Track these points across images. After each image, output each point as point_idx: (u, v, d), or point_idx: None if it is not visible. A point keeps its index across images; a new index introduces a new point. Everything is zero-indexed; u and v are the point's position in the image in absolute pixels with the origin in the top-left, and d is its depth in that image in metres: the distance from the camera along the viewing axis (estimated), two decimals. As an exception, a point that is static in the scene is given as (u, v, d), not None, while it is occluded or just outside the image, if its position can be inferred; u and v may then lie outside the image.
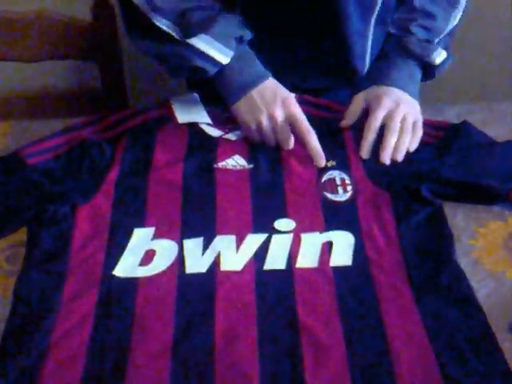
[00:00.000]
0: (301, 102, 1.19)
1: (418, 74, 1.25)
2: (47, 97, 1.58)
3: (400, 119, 1.15)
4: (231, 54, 1.14)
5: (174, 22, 1.12)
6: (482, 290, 0.91)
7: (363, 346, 0.82)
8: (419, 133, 1.16)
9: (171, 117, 1.21)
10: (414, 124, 1.16)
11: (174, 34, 1.12)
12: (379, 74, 1.24)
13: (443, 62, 1.24)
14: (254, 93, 1.14)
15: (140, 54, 1.22)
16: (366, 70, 1.28)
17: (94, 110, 1.38)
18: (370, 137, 1.14)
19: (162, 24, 1.11)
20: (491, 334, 0.83)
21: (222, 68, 1.15)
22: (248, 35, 1.17)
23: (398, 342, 0.82)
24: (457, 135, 1.15)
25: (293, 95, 1.18)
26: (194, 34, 1.11)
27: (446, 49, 1.25)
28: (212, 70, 1.14)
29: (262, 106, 1.13)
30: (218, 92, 1.19)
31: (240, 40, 1.16)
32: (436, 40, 1.24)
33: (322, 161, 1.11)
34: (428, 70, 1.26)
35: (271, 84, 1.16)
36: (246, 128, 1.15)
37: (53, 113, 1.44)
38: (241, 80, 1.16)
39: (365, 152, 1.13)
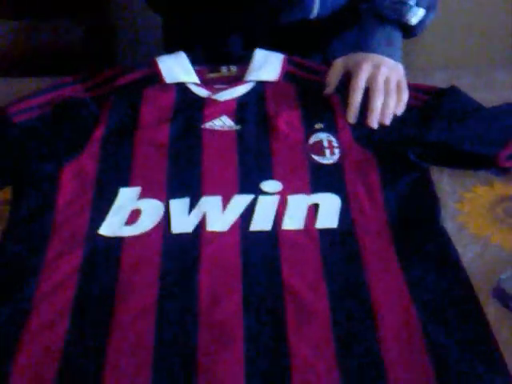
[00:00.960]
0: (289, 63, 1.18)
1: (398, 37, 1.24)
2: (33, 54, 1.56)
3: (383, 81, 1.13)
4: None
5: None
6: (468, 254, 0.90)
7: (347, 309, 0.82)
8: (405, 94, 1.14)
9: (158, 76, 1.19)
10: (399, 85, 1.14)
11: None
12: (356, 43, 1.22)
13: (422, 21, 1.22)
14: None
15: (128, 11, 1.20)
16: (315, 12, 1.29)
17: (81, 68, 1.35)
18: (354, 101, 1.12)
19: None
20: (475, 299, 0.83)
21: None
22: None
23: (383, 305, 0.82)
24: (444, 99, 1.14)
25: (280, 56, 1.16)
26: None
27: (428, 5, 1.23)
28: None
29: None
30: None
31: None
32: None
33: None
34: (408, 30, 1.24)
35: None
36: None
37: (39, 71, 1.41)
38: None
39: (351, 116, 1.11)
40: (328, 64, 1.21)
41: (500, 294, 0.84)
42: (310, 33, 1.35)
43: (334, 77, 1.18)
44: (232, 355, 0.77)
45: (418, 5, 1.22)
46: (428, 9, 1.23)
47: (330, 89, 1.17)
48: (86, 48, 1.53)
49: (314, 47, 1.39)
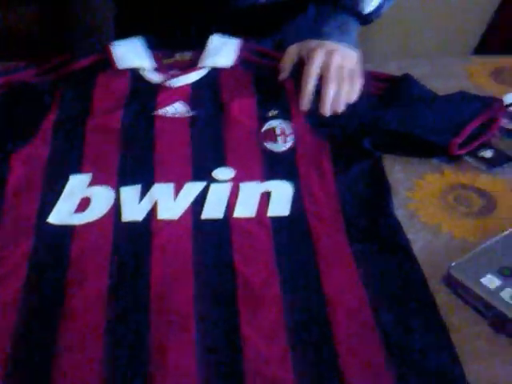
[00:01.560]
0: (245, 49, 1.17)
1: (353, 24, 1.23)
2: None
3: (335, 68, 1.12)
4: None
5: None
6: (418, 242, 0.90)
7: (300, 297, 0.81)
8: (358, 82, 1.13)
9: (110, 62, 1.17)
10: (352, 73, 1.13)
11: None
12: (311, 30, 1.22)
13: (377, 8, 1.22)
14: None
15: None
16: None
17: (34, 53, 1.33)
18: (307, 88, 1.11)
19: None
20: (425, 286, 0.83)
21: None
22: None
23: (335, 292, 0.81)
24: (398, 87, 1.14)
25: (236, 41, 1.16)
26: None
27: None
28: None
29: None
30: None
31: None
32: None
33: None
34: (363, 17, 1.24)
35: None
36: None
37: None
38: None
39: (304, 104, 1.10)
40: (279, 49, 1.20)
41: (450, 282, 0.84)
42: (260, 17, 1.33)
43: (287, 62, 1.17)
44: (184, 344, 0.76)
45: None
46: None
47: (283, 74, 1.16)
48: (40, 33, 1.51)
49: (265, 32, 1.37)
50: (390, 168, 1.02)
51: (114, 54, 1.18)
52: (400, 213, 0.94)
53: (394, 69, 1.24)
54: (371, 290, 0.82)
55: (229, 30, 1.23)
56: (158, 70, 1.16)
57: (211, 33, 1.18)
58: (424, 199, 0.98)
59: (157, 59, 1.18)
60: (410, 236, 0.90)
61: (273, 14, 1.33)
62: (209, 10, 1.29)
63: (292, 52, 1.18)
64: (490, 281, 0.82)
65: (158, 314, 0.79)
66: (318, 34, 1.20)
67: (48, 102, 1.08)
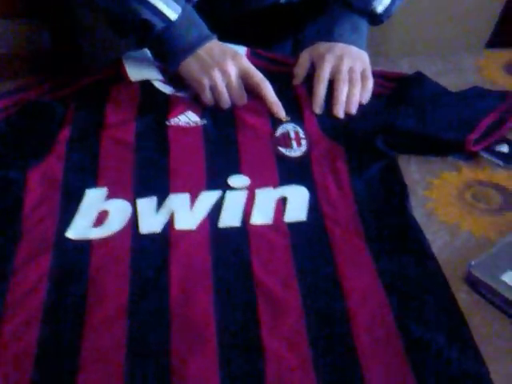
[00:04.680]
0: (253, 56, 1.17)
1: (363, 25, 1.22)
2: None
3: (347, 70, 1.13)
4: (179, 10, 1.10)
5: None
6: (437, 241, 0.89)
7: (320, 302, 0.81)
8: (369, 83, 1.14)
9: (123, 75, 1.18)
10: (363, 74, 1.14)
11: None
12: (322, 31, 1.21)
13: (388, 8, 1.21)
14: (202, 51, 1.11)
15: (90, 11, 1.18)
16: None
17: (46, 70, 1.33)
18: (319, 92, 1.12)
19: None
20: (446, 286, 0.82)
21: (169, 25, 1.10)
22: None
23: (355, 297, 0.81)
24: (410, 86, 1.14)
25: (244, 49, 1.15)
26: None
27: None
28: (159, 25, 1.09)
29: (212, 62, 1.10)
30: (159, 53, 1.16)
31: None
32: None
33: (280, 110, 1.09)
34: (374, 18, 1.23)
35: (218, 43, 1.13)
36: (198, 86, 1.11)
37: (1, 74, 1.39)
38: (187, 39, 1.12)
39: (317, 107, 1.11)
40: (299, 51, 1.20)
41: (471, 280, 0.83)
42: (281, 17, 1.34)
43: (301, 68, 1.18)
44: (205, 355, 0.75)
45: None
46: None
47: (297, 79, 1.17)
48: (52, 49, 1.52)
49: (286, 32, 1.39)
50: (406, 168, 1.01)
51: (126, 67, 1.19)
52: (418, 213, 0.93)
53: (405, 66, 1.24)
54: (392, 294, 0.81)
55: (249, 31, 1.25)
56: (168, 80, 1.17)
57: (231, 35, 1.17)
58: (441, 198, 0.97)
59: (164, 71, 1.18)
60: (428, 236, 0.89)
61: (292, 13, 1.33)
62: (229, 11, 1.29)
63: (304, 58, 1.19)
64: (511, 277, 0.81)
65: (179, 325, 0.78)
66: (329, 35, 1.20)
67: (61, 117, 1.08)
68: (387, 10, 1.21)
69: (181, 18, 1.11)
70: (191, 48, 1.11)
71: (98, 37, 1.45)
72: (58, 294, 0.83)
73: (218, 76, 1.09)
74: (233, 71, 1.10)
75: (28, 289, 0.83)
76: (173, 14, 1.09)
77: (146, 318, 0.80)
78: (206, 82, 1.10)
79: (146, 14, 1.08)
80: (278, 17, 1.33)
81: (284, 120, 1.08)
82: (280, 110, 1.09)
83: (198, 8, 1.15)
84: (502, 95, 1.11)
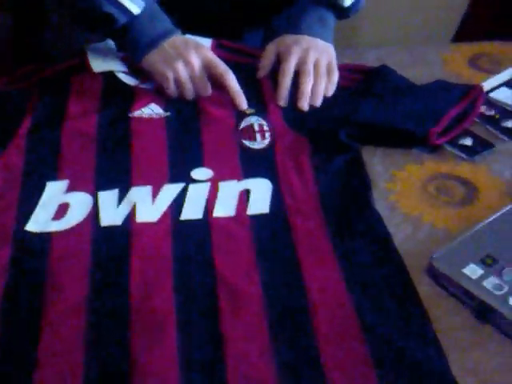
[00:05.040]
0: (218, 47, 1.17)
1: (330, 18, 1.22)
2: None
3: (312, 63, 1.13)
4: (142, 4, 1.09)
5: None
6: (399, 234, 0.90)
7: (281, 296, 0.80)
8: (335, 76, 1.14)
9: (86, 66, 1.17)
10: (329, 67, 1.14)
11: None
12: (289, 23, 1.21)
13: (355, 2, 1.21)
14: (166, 44, 1.11)
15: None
16: None
17: (7, 60, 1.32)
18: (284, 84, 1.12)
19: None
20: (407, 278, 0.82)
21: (131, 20, 1.10)
22: None
23: (316, 289, 0.81)
24: (375, 78, 1.14)
25: (209, 41, 1.15)
26: None
27: None
28: (122, 19, 1.09)
29: (175, 54, 1.09)
30: (122, 47, 1.16)
31: None
32: None
33: (242, 101, 1.09)
34: (341, 12, 1.23)
35: (181, 36, 1.13)
36: (162, 79, 1.10)
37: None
38: (151, 33, 1.11)
39: (282, 99, 1.10)
40: (268, 40, 1.20)
41: (432, 273, 0.83)
42: (253, 6, 1.33)
43: (266, 60, 1.18)
44: (165, 348, 0.75)
45: None
46: None
47: (262, 72, 1.17)
48: (14, 38, 1.50)
49: (257, 21, 1.37)
50: (369, 160, 1.01)
51: (89, 57, 1.18)
52: (380, 205, 0.93)
53: (371, 58, 1.25)
54: (353, 285, 0.81)
55: (219, 21, 1.25)
56: (132, 72, 1.16)
57: (201, 24, 1.17)
58: (404, 190, 0.97)
59: (130, 62, 1.17)
60: (391, 228, 0.89)
61: (263, 3, 1.32)
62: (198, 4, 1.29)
63: (270, 50, 1.18)
64: (473, 270, 0.81)
65: (139, 316, 0.78)
66: (296, 27, 1.19)
67: (22, 108, 1.07)
68: (354, 4, 1.21)
69: (144, 12, 1.10)
70: (155, 42, 1.11)
71: (60, 26, 1.43)
72: (15, 287, 0.82)
73: (181, 68, 1.09)
74: (196, 62, 1.09)
75: None
76: (136, 8, 1.09)
77: (105, 311, 0.79)
78: (169, 74, 1.09)
79: (109, 8, 1.07)
80: (250, 5, 1.32)
81: (247, 112, 1.07)
82: (242, 101, 1.09)
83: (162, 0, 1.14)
84: (466, 89, 1.12)
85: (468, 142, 1.05)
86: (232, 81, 1.10)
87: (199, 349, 0.75)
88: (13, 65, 1.18)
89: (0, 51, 1.51)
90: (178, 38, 1.12)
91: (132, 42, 1.12)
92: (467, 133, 1.07)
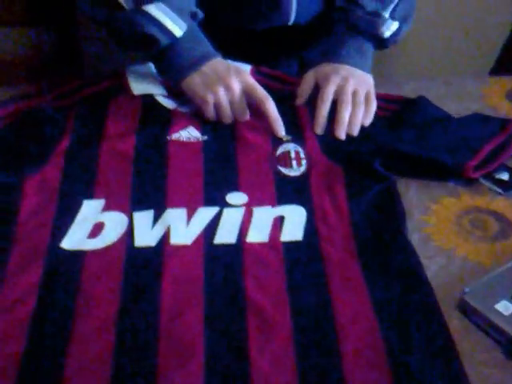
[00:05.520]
0: (257, 73, 1.19)
1: (369, 48, 1.24)
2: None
3: (351, 92, 1.14)
4: (185, 27, 1.12)
5: None
6: (432, 266, 0.91)
7: (310, 324, 0.81)
8: (373, 105, 1.15)
9: (126, 87, 1.19)
10: (367, 96, 1.16)
11: (124, 3, 1.09)
12: (328, 52, 1.23)
13: (395, 33, 1.23)
14: (206, 68, 1.12)
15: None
16: (291, 19, 1.29)
17: (48, 77, 1.34)
18: (322, 112, 1.13)
19: None
20: (438, 312, 0.83)
21: (173, 42, 1.12)
22: (200, 14, 1.15)
23: (345, 319, 0.82)
24: (412, 109, 1.15)
25: (248, 66, 1.17)
26: (149, 1, 1.09)
27: (403, 18, 1.24)
28: (164, 41, 1.11)
29: (216, 78, 1.11)
30: (162, 68, 1.18)
31: (194, 16, 1.14)
32: (386, 11, 1.22)
33: (280, 129, 1.10)
34: (379, 42, 1.25)
35: (221, 60, 1.15)
36: (202, 102, 1.12)
37: (3, 80, 1.40)
38: (191, 56, 1.13)
39: (319, 128, 1.12)
40: (304, 71, 1.22)
41: (463, 307, 0.84)
42: (287, 38, 1.36)
43: (305, 88, 1.19)
44: (192, 371, 0.76)
45: (392, 17, 1.23)
46: (402, 21, 1.24)
47: (300, 99, 1.18)
48: (55, 58, 1.53)
49: (291, 52, 1.41)
50: (405, 192, 1.03)
51: (129, 79, 1.20)
52: (414, 237, 0.95)
53: (408, 91, 1.25)
54: (383, 318, 0.82)
55: (254, 51, 1.27)
56: (171, 95, 1.18)
57: (236, 53, 1.19)
58: (439, 223, 0.98)
59: (169, 85, 1.19)
60: (424, 260, 0.90)
61: (298, 34, 1.35)
62: (235, 29, 1.32)
63: (309, 77, 1.20)
64: (505, 307, 0.82)
65: (167, 341, 0.79)
66: (334, 56, 1.21)
67: (61, 127, 1.09)
68: (394, 35, 1.22)
69: (186, 34, 1.12)
70: (195, 65, 1.13)
71: (101, 46, 1.46)
72: (47, 304, 0.83)
73: (221, 92, 1.11)
74: (237, 87, 1.11)
75: (18, 297, 0.84)
76: (178, 30, 1.11)
77: (134, 331, 0.80)
78: (209, 97, 1.11)
79: (151, 29, 1.09)
80: (285, 37, 1.35)
81: (284, 139, 1.09)
82: (280, 128, 1.10)
83: (203, 25, 1.16)
84: (504, 122, 1.13)
85: (504, 176, 1.06)
86: (271, 107, 1.11)
87: (226, 376, 0.76)
88: (53, 83, 1.19)
89: (41, 69, 1.54)
90: (219, 62, 1.14)
91: (172, 63, 1.14)
92: (504, 167, 1.07)
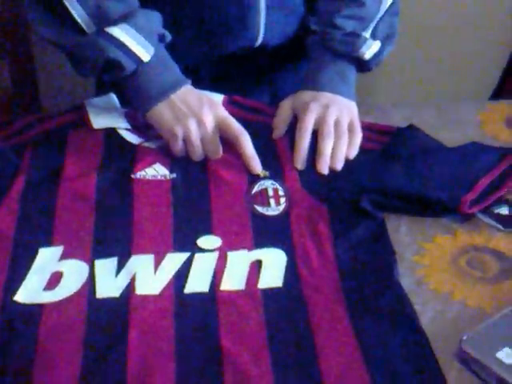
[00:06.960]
0: (230, 104, 1.19)
1: (351, 71, 1.25)
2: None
3: (332, 122, 1.14)
4: (152, 51, 1.11)
5: (89, 13, 1.08)
6: (427, 312, 0.90)
7: (293, 378, 0.81)
8: (357, 136, 1.15)
9: (85, 121, 1.19)
10: (351, 126, 1.16)
11: (85, 27, 1.09)
12: (306, 78, 1.24)
13: (377, 54, 1.24)
14: (175, 97, 1.12)
15: (52, 50, 1.19)
16: (259, 37, 1.29)
17: (3, 111, 1.35)
18: (301, 145, 1.13)
19: (78, 14, 1.08)
20: (435, 363, 0.82)
21: (140, 67, 1.12)
22: (168, 36, 1.15)
23: (333, 373, 0.81)
24: (402, 141, 1.16)
25: (220, 96, 1.17)
26: (113, 23, 1.09)
27: (385, 37, 1.25)
28: (130, 67, 1.10)
29: (187, 111, 1.11)
30: (127, 96, 1.17)
31: (161, 38, 1.14)
32: (366, 31, 1.23)
33: (257, 167, 1.10)
34: (362, 64, 1.25)
35: (193, 89, 1.15)
36: (170, 136, 1.11)
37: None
38: (159, 83, 1.13)
39: (299, 162, 1.11)
40: (276, 98, 1.22)
41: (462, 357, 0.83)
42: (257, 62, 1.36)
43: (282, 119, 1.19)
44: None
45: (373, 36, 1.24)
46: (385, 40, 1.25)
47: (277, 132, 1.18)
48: (11, 93, 1.53)
49: (262, 78, 1.41)
50: (395, 230, 1.03)
51: (89, 113, 1.20)
52: (406, 280, 0.94)
53: (397, 118, 1.26)
54: (374, 370, 0.81)
55: (225, 74, 1.29)
56: (135, 129, 1.18)
57: (205, 79, 1.19)
58: (433, 264, 0.98)
59: (135, 118, 1.19)
60: (417, 306, 0.90)
61: (268, 57, 1.35)
62: (203, 53, 1.32)
63: (285, 107, 1.20)
64: (507, 355, 0.81)
65: None
66: (313, 83, 1.22)
67: (15, 166, 1.09)
68: (376, 55, 1.23)
69: (153, 59, 1.12)
70: (164, 92, 1.12)
71: (58, 79, 1.47)
72: (1, 367, 0.82)
73: (193, 127, 1.10)
74: (210, 122, 1.11)
75: None
76: (145, 54, 1.10)
77: None
78: (179, 131, 1.10)
79: (115, 54, 1.09)
80: (253, 60, 1.35)
81: (261, 175, 1.09)
82: (257, 166, 1.10)
83: (170, 49, 1.16)
84: (502, 152, 1.13)
85: (504, 210, 1.06)
86: (247, 145, 1.11)
87: None
88: (7, 119, 1.19)
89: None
90: (190, 91, 1.13)
91: (138, 91, 1.14)
92: (503, 201, 1.08)
